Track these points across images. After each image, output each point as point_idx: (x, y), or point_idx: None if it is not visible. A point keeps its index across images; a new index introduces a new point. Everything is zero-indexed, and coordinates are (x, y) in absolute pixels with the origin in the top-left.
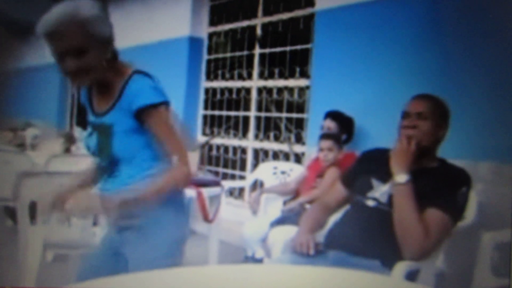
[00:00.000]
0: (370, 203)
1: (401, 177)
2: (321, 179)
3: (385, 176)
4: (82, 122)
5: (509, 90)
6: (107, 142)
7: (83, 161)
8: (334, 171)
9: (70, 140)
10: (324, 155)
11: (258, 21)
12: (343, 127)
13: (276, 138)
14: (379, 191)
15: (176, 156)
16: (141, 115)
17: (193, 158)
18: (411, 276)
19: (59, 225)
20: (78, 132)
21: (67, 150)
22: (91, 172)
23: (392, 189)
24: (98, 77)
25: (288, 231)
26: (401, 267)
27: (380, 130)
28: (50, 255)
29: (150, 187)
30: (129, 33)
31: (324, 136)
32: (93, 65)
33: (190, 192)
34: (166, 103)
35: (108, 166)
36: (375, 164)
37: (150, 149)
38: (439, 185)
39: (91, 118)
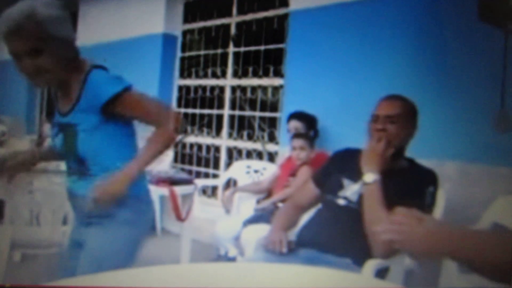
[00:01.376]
0: (341, 202)
1: (369, 177)
2: (294, 178)
3: (356, 175)
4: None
5: (475, 90)
6: (72, 142)
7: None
8: (306, 170)
9: (40, 140)
10: (297, 154)
11: (233, 20)
12: (308, 125)
13: (250, 137)
14: (350, 190)
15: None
16: (108, 108)
17: (167, 156)
18: (381, 273)
19: (27, 225)
20: (48, 128)
21: (39, 147)
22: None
23: (362, 188)
24: (57, 77)
25: (261, 230)
26: (371, 265)
27: (352, 129)
28: (18, 255)
29: (144, 154)
30: (103, 29)
31: (296, 135)
32: (50, 65)
33: (162, 190)
34: (128, 88)
35: (75, 166)
36: (347, 163)
37: (113, 147)
38: (407, 185)
39: (57, 118)
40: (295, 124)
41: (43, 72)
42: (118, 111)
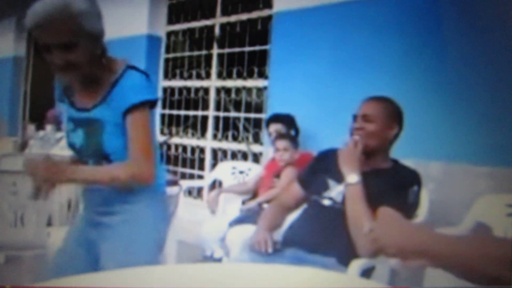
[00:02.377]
0: (326, 202)
1: (352, 177)
2: (278, 179)
3: (340, 176)
4: (36, 119)
5: (459, 90)
6: (97, 138)
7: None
8: (291, 171)
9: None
10: (280, 155)
11: (217, 21)
12: (288, 125)
13: (235, 138)
14: (335, 191)
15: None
16: (129, 111)
17: None
18: (367, 273)
19: (11, 226)
20: (31, 129)
21: (22, 149)
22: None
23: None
24: (86, 73)
25: (247, 230)
26: (356, 264)
27: (336, 130)
28: (2, 256)
29: (100, 172)
30: None
31: (280, 136)
32: (82, 60)
33: None
34: (155, 101)
35: (95, 163)
36: (331, 164)
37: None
38: (391, 185)
39: (73, 114)
40: (275, 127)
41: (74, 67)
42: (130, 118)
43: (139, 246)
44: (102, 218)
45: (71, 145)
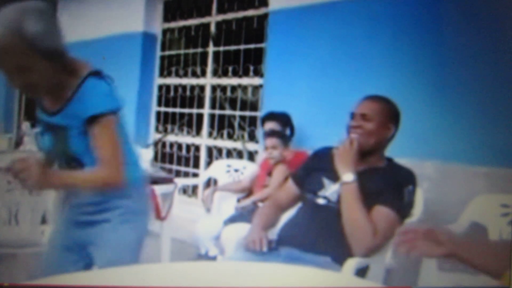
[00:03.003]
0: (321, 201)
1: (347, 176)
2: (270, 178)
3: (335, 175)
4: (31, 117)
5: (455, 90)
6: (64, 143)
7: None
8: (281, 169)
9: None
10: (269, 153)
11: (212, 19)
12: (283, 124)
13: (230, 136)
14: (330, 189)
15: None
16: (91, 121)
17: (147, 155)
18: (361, 272)
19: (5, 224)
20: (26, 126)
21: (17, 146)
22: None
23: (340, 188)
24: (47, 87)
25: (241, 229)
26: (351, 263)
27: (332, 128)
28: None
29: (70, 176)
30: (83, 27)
31: (268, 134)
32: (41, 79)
33: None
34: (117, 110)
35: (65, 162)
36: (326, 163)
37: None
38: (386, 184)
39: (42, 116)
40: (270, 125)
41: (34, 86)
42: (93, 128)
43: (129, 241)
44: (91, 217)
45: (41, 148)
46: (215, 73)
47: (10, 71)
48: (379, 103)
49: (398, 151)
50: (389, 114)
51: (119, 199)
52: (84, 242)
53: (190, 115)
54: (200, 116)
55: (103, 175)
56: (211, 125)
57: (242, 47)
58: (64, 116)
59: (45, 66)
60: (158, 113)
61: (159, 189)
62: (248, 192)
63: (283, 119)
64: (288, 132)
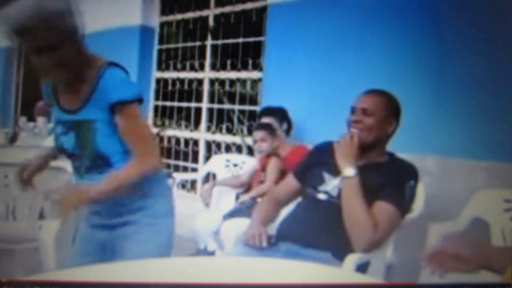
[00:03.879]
0: (321, 196)
1: (349, 171)
2: (265, 173)
3: (336, 169)
4: (28, 112)
5: (456, 85)
6: (90, 139)
7: (28, 152)
8: (275, 162)
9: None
10: (258, 146)
11: (211, 12)
12: (280, 118)
13: (229, 130)
14: (330, 184)
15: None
16: (117, 110)
17: None
18: (362, 267)
19: (3, 219)
20: (22, 122)
21: (12, 141)
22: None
23: (341, 182)
24: (71, 73)
25: (240, 224)
26: (351, 259)
27: (332, 122)
28: None
29: (112, 178)
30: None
31: (256, 127)
32: (69, 58)
33: None
34: (139, 100)
35: (90, 163)
36: (327, 157)
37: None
38: (388, 179)
39: (61, 115)
40: (267, 120)
41: (61, 67)
42: (119, 117)
43: (156, 244)
44: (120, 219)
45: (62, 149)
46: (213, 67)
47: (37, 51)
48: (380, 98)
49: (399, 146)
50: (390, 109)
51: (144, 199)
52: (109, 247)
53: (188, 109)
54: (198, 110)
55: (144, 163)
56: (210, 119)
57: (240, 40)
58: (89, 110)
59: (71, 44)
60: (156, 107)
61: None
62: (247, 187)
63: (280, 113)
64: (285, 126)
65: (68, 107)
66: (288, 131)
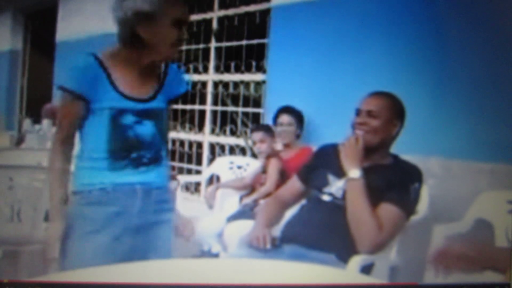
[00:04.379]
0: (326, 198)
1: (354, 173)
2: (265, 175)
3: (341, 171)
4: (33, 113)
5: (460, 86)
6: (163, 127)
7: (32, 154)
8: (275, 163)
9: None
10: (257, 148)
11: (214, 14)
12: (298, 120)
13: (233, 133)
14: (335, 186)
15: None
16: (172, 101)
17: None
18: (366, 269)
19: (8, 221)
20: (27, 124)
21: (19, 143)
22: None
23: (346, 184)
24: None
25: (244, 226)
26: (356, 261)
27: (336, 125)
28: None
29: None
30: (84, 22)
31: (255, 128)
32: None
33: None
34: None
35: (155, 155)
36: (331, 159)
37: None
38: (392, 181)
39: (130, 105)
40: (286, 119)
41: (179, 44)
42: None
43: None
44: (160, 216)
45: (137, 138)
46: (217, 69)
47: (179, 24)
48: (385, 100)
49: (402, 148)
50: (395, 111)
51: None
52: (141, 250)
53: (192, 111)
54: (202, 113)
55: None
56: (214, 122)
57: (244, 42)
58: (159, 99)
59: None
60: None
61: None
62: (251, 189)
63: (300, 116)
64: (299, 131)
65: (137, 95)
66: (298, 136)
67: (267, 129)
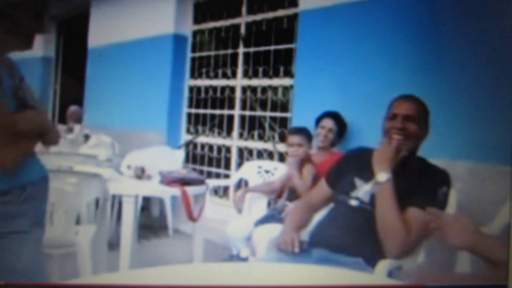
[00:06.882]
0: (353, 202)
1: (382, 176)
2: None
3: (368, 175)
4: (62, 120)
5: (487, 89)
6: None
7: (63, 159)
8: (309, 168)
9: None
10: (295, 151)
11: (242, 20)
12: (340, 127)
13: (260, 137)
14: (362, 190)
15: None
16: None
17: (178, 156)
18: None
19: None
20: (61, 129)
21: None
22: None
23: (374, 188)
24: None
25: (273, 230)
26: (383, 265)
27: (363, 129)
28: None
29: None
30: (115, 29)
31: (294, 131)
32: None
33: (174, 191)
34: None
35: None
36: (359, 163)
37: None
38: (420, 184)
39: None
40: (329, 123)
41: None
42: None
43: None
44: None
45: None
46: (245, 74)
47: None
48: (419, 104)
49: (430, 151)
50: (427, 115)
51: None
52: None
53: (221, 116)
54: (230, 117)
55: None
56: (242, 126)
57: (272, 47)
58: None
59: None
60: (189, 115)
61: (191, 190)
62: (279, 193)
63: (343, 124)
64: (336, 139)
65: None
66: (333, 144)
67: (306, 133)
